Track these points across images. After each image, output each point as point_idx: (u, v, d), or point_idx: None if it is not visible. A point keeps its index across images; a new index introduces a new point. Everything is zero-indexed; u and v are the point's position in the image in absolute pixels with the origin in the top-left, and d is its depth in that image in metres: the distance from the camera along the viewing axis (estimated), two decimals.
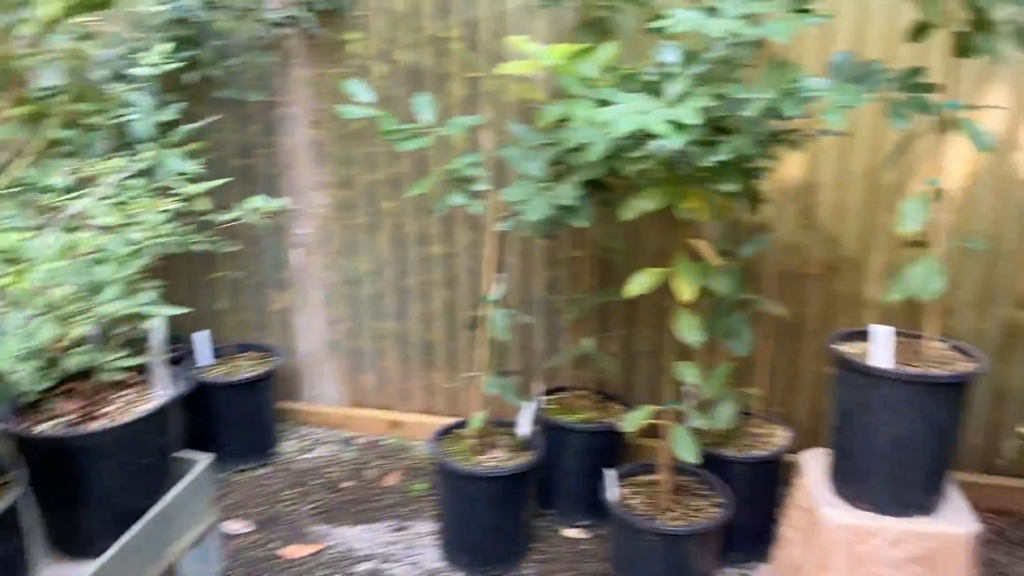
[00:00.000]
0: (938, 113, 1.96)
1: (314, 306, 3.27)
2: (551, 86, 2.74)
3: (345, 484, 2.98)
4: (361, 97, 2.34)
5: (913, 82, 1.99)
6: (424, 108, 2.42)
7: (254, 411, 3.07)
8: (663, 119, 1.64)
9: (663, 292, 2.13)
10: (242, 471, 3.05)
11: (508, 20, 2.79)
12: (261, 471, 3.06)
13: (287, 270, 3.25)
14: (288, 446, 3.23)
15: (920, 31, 2.02)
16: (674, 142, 1.63)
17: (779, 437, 2.63)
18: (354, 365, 3.31)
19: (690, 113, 1.65)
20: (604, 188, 2.53)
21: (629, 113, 1.67)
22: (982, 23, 1.88)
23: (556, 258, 2.96)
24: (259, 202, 2.18)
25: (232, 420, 3.02)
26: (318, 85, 3.03)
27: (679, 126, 1.66)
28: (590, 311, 2.90)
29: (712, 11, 1.93)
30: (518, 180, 2.30)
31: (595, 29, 2.57)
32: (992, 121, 2.50)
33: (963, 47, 1.96)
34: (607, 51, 2.29)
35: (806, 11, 1.73)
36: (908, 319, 2.26)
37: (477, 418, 2.52)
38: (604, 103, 2.06)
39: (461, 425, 2.68)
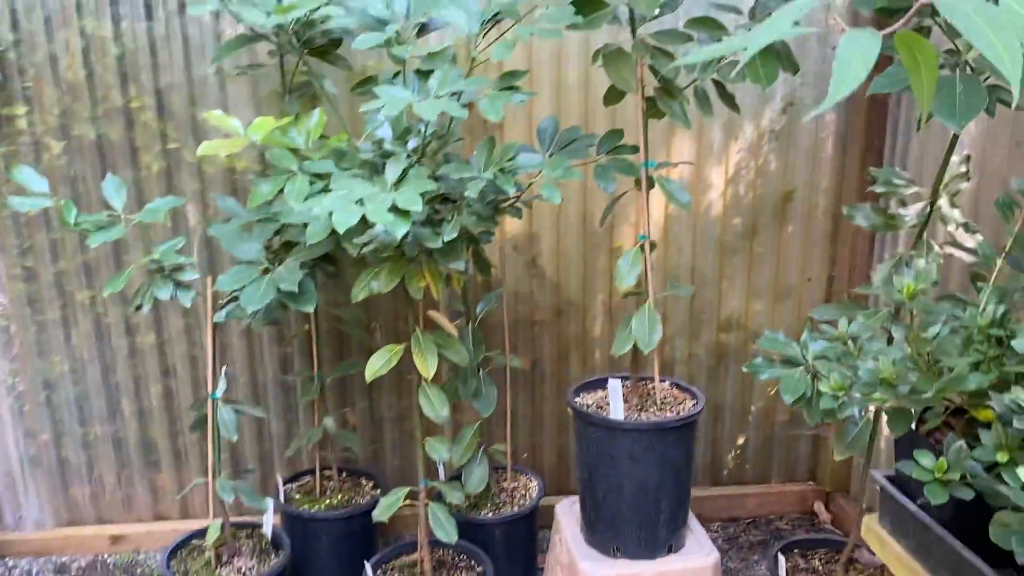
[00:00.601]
0: (637, 174, 2.08)
1: (2, 420, 2.80)
2: (260, 151, 2.58)
3: None
4: (33, 185, 2.03)
5: (614, 145, 2.10)
6: (114, 193, 2.15)
7: None
8: (385, 208, 1.56)
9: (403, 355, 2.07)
10: None
11: (202, 86, 2.58)
12: None
13: None
14: None
15: (614, 96, 2.13)
16: (398, 231, 1.57)
17: (531, 488, 2.66)
18: (62, 479, 2.88)
19: (413, 199, 1.59)
20: (331, 260, 2.42)
21: (348, 203, 1.58)
22: (668, 89, 2.02)
23: (285, 335, 2.78)
24: None
25: None
26: None
27: (402, 212, 1.60)
28: (328, 387, 2.76)
29: (424, 77, 1.91)
30: (233, 263, 2.12)
31: (301, 95, 2.44)
32: (683, 169, 2.73)
33: (653, 110, 2.10)
34: (315, 119, 2.18)
35: (513, 88, 1.75)
36: (633, 357, 2.38)
37: (214, 528, 2.28)
38: (319, 177, 1.95)
39: (199, 534, 2.42)
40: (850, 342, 1.43)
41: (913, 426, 1.52)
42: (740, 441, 3.08)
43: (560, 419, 2.97)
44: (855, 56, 0.72)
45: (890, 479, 1.51)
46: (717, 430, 3.05)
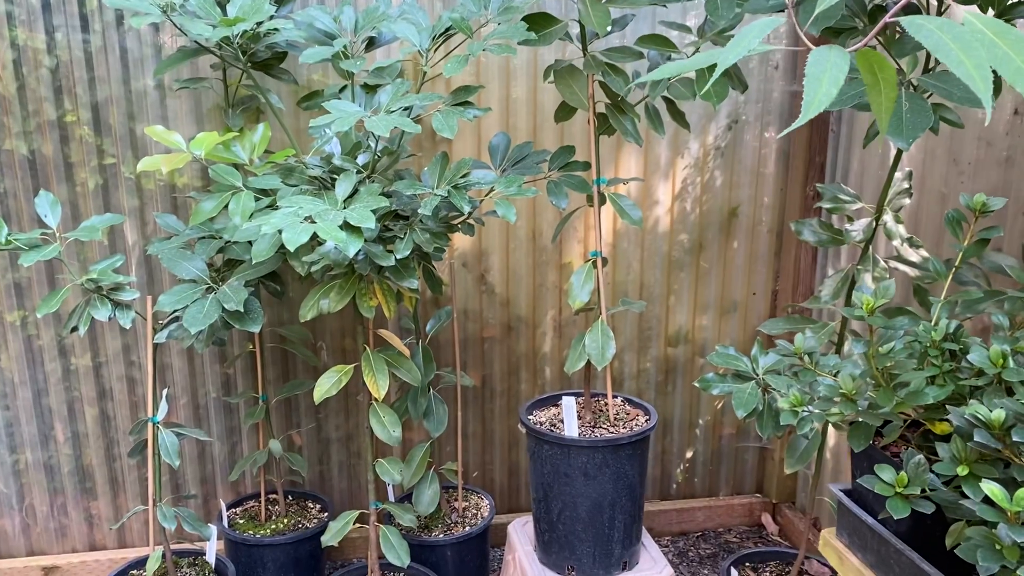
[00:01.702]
0: (589, 191, 2.08)
1: None
2: (202, 166, 2.51)
3: None
4: None
5: (566, 161, 2.10)
6: (48, 210, 2.07)
7: None
8: (337, 225, 1.53)
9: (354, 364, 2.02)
10: None
11: (141, 100, 2.50)
12: None
13: None
14: None
15: (565, 113, 2.14)
16: (351, 248, 1.53)
17: (482, 508, 2.62)
18: None
19: (365, 216, 1.56)
20: (276, 277, 2.36)
21: (297, 221, 1.54)
22: (619, 106, 2.03)
23: (228, 355, 2.70)
24: None
25: None
26: None
27: (354, 230, 1.56)
28: (273, 408, 2.69)
29: (372, 91, 1.88)
30: (174, 282, 2.05)
31: (245, 109, 2.39)
32: (631, 185, 2.75)
33: (604, 126, 2.10)
34: (259, 134, 2.14)
35: (466, 103, 1.73)
36: (585, 373, 2.38)
37: (154, 558, 2.19)
38: (265, 193, 1.90)
39: (138, 564, 2.32)
40: (805, 357, 1.45)
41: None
42: (688, 455, 3.10)
43: (511, 436, 2.95)
44: (825, 74, 0.72)
45: (847, 492, 1.53)
46: (666, 444, 3.07)
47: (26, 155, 2.48)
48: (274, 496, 2.65)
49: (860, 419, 1.32)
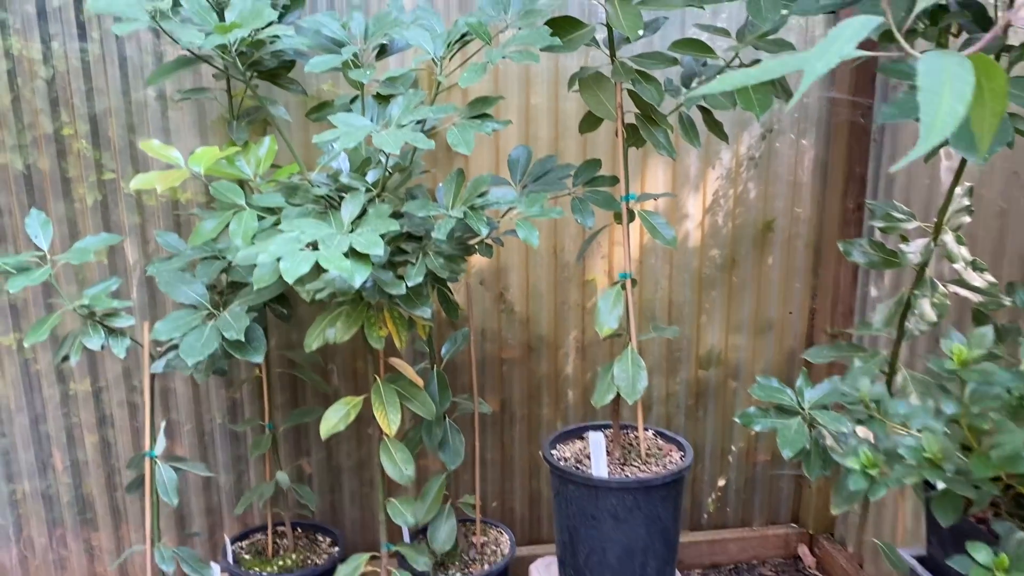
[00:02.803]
0: (617, 208, 1.93)
1: None
2: (207, 181, 2.37)
3: None
4: None
5: (591, 176, 1.94)
6: (39, 230, 1.94)
7: None
8: (341, 252, 1.38)
9: (362, 391, 1.87)
10: None
11: (142, 112, 2.37)
12: None
13: None
14: None
15: (590, 123, 1.98)
16: (356, 278, 1.38)
17: (502, 543, 2.47)
18: None
19: (373, 240, 1.41)
20: (283, 299, 2.22)
21: (297, 249, 1.39)
22: (650, 116, 1.87)
23: (233, 379, 2.56)
24: None
25: None
26: None
27: (361, 256, 1.41)
28: (281, 435, 2.54)
29: (384, 102, 1.73)
30: (177, 306, 1.91)
31: (251, 121, 2.25)
32: (660, 199, 2.58)
33: (633, 138, 1.94)
34: (265, 147, 2.00)
35: (484, 116, 1.58)
36: (613, 403, 2.21)
37: None
38: (270, 211, 1.76)
39: None
40: (872, 404, 1.28)
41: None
42: (721, 483, 2.93)
43: (531, 463, 2.79)
44: (945, 87, 0.56)
45: (921, 560, 1.35)
46: (697, 472, 2.89)
47: (21, 170, 2.36)
48: (282, 529, 2.51)
49: (947, 486, 1.14)
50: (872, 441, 1.23)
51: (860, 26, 0.63)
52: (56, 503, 2.61)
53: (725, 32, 1.87)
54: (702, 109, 1.91)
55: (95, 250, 1.98)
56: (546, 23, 1.71)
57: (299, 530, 2.56)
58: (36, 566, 2.65)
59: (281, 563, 2.38)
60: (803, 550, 2.95)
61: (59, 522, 2.62)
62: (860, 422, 1.30)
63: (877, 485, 1.16)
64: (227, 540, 2.43)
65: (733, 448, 2.90)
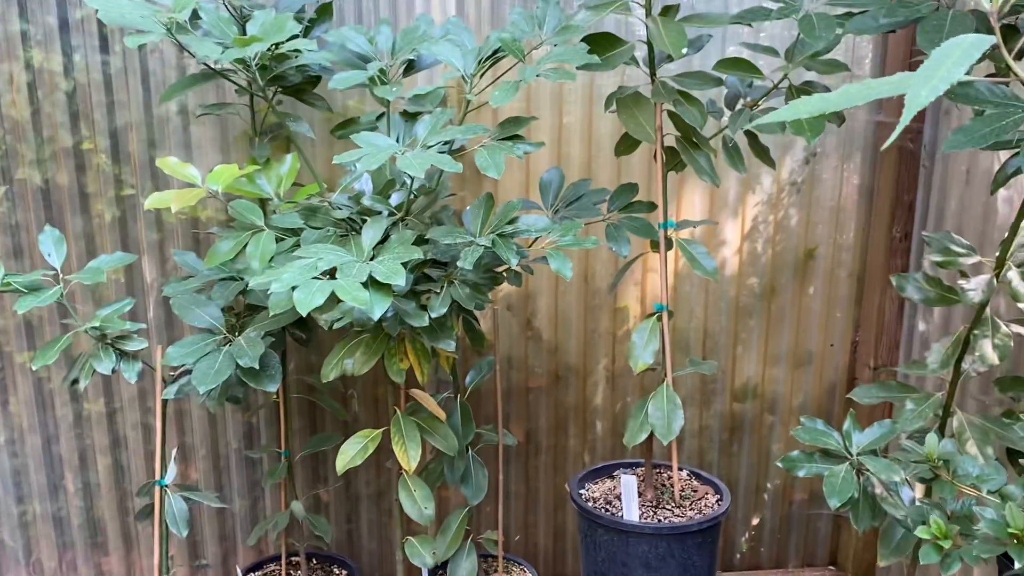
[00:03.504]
0: (654, 236, 1.82)
1: None
2: (227, 199, 2.30)
3: None
4: None
5: (628, 201, 1.84)
6: (52, 248, 1.87)
7: None
8: (360, 282, 1.29)
9: (382, 418, 1.78)
10: None
11: (164, 127, 2.31)
12: None
13: None
14: None
15: (627, 146, 1.88)
16: (375, 311, 1.29)
17: None
18: None
19: (394, 269, 1.32)
20: (303, 324, 2.13)
21: (312, 277, 1.30)
22: (692, 140, 1.76)
23: (250, 404, 2.48)
24: None
25: None
26: None
27: (381, 286, 1.32)
28: (298, 461, 2.45)
29: (411, 120, 1.64)
30: (190, 330, 1.83)
31: (273, 138, 2.18)
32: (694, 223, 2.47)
33: (673, 162, 1.84)
34: (287, 166, 1.92)
35: (515, 137, 1.49)
36: (647, 441, 2.10)
37: None
38: (291, 232, 1.68)
39: None
40: (941, 464, 1.16)
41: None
42: (755, 521, 2.79)
43: (557, 496, 2.68)
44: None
45: None
46: (730, 509, 2.76)
47: (40, 185, 2.30)
48: (296, 560, 2.41)
49: None
50: (930, 499, 1.11)
51: (971, 46, 0.52)
52: (67, 526, 2.53)
53: (772, 51, 1.76)
54: (747, 133, 1.80)
55: (109, 269, 1.91)
56: (583, 39, 1.61)
57: (314, 561, 2.46)
58: None
59: None
60: None
61: (69, 545, 2.55)
62: (923, 480, 1.18)
63: (951, 560, 1.04)
64: (239, 572, 2.34)
65: (768, 485, 2.76)
